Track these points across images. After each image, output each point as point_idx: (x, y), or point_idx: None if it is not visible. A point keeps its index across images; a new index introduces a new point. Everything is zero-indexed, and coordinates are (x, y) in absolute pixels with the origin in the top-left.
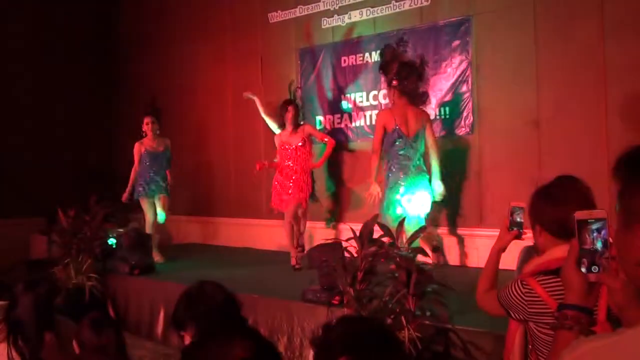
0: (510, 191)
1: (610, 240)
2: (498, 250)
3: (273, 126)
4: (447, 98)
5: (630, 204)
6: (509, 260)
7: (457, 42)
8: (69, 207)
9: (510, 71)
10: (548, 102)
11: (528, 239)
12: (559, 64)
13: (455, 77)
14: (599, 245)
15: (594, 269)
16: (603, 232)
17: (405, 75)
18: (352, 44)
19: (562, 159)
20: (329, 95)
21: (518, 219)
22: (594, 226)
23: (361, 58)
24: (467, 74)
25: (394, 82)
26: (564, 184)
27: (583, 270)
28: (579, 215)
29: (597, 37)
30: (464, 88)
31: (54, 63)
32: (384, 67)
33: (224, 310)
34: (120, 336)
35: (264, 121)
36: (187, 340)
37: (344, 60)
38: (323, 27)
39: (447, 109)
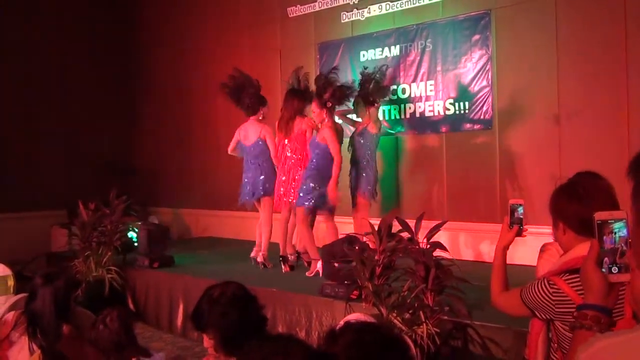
0: (530, 187)
1: (630, 240)
2: (502, 249)
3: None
4: (467, 93)
5: None
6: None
7: (477, 37)
8: (90, 200)
9: (530, 65)
10: (569, 97)
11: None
12: (580, 57)
13: (475, 71)
14: (619, 245)
15: (614, 269)
16: (623, 232)
17: (339, 98)
18: (371, 39)
19: (582, 154)
20: None
21: (518, 216)
22: (615, 226)
23: (380, 52)
24: (487, 68)
25: (329, 104)
26: (587, 180)
27: (603, 270)
28: (599, 216)
29: (620, 31)
30: (484, 82)
31: (75, 58)
32: (319, 90)
33: (245, 314)
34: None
35: None
36: (206, 340)
37: (363, 55)
38: (342, 21)
39: (466, 103)
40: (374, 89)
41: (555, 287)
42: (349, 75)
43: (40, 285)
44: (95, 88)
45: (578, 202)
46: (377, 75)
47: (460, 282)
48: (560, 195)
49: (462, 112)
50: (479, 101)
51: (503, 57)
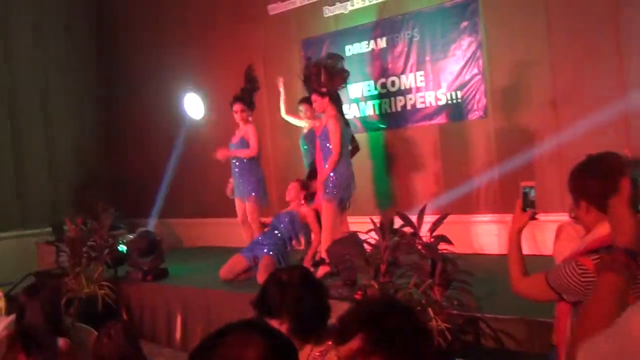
0: (528, 175)
1: None
2: (517, 233)
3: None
4: (458, 82)
5: None
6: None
7: (465, 23)
8: (75, 216)
9: (522, 50)
10: (564, 80)
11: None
12: (573, 39)
13: (465, 59)
14: None
15: None
16: None
17: None
18: (356, 32)
19: (581, 138)
20: None
21: (530, 199)
22: None
23: (367, 45)
24: (477, 55)
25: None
26: (608, 158)
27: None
28: (629, 152)
29: (612, 8)
30: (475, 70)
31: (55, 71)
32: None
33: (319, 298)
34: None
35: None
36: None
37: (349, 49)
38: (325, 15)
39: (458, 92)
40: (327, 78)
41: (583, 267)
42: None
43: (26, 301)
44: (72, 98)
45: (601, 178)
46: (328, 62)
47: (467, 275)
48: (580, 173)
49: (455, 101)
50: (471, 89)
51: (493, 43)
